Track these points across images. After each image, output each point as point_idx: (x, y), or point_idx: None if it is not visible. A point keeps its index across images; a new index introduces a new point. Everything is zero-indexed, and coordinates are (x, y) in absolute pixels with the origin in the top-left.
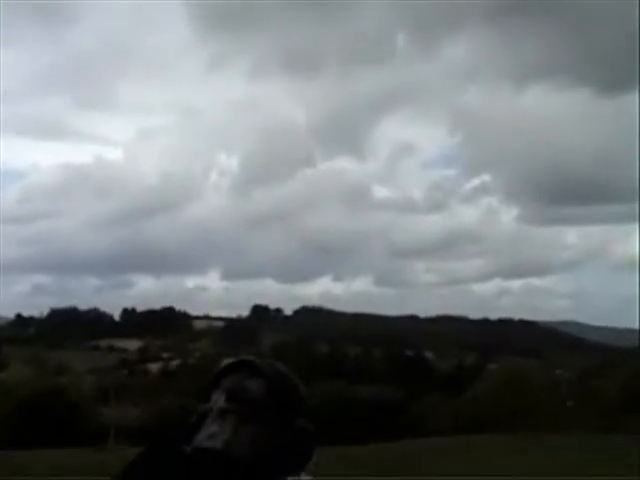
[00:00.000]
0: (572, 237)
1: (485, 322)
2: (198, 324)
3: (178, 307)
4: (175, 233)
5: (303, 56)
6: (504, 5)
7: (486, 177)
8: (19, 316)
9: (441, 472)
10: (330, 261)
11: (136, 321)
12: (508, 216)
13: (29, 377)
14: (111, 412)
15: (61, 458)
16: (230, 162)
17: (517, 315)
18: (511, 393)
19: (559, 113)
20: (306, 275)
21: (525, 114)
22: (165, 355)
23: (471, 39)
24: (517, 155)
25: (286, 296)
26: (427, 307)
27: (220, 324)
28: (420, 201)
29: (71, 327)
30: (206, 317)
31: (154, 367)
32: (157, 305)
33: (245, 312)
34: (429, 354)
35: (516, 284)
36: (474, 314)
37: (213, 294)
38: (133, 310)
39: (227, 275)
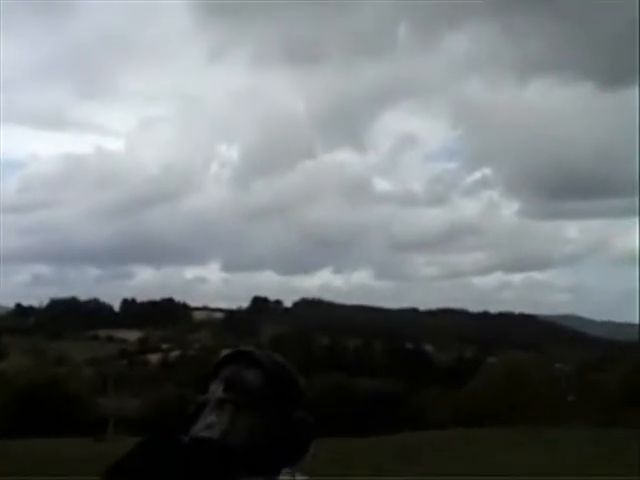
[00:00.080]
0: (573, 231)
1: (485, 315)
2: (198, 315)
3: (178, 298)
4: (175, 224)
5: (305, 47)
6: None
7: (487, 171)
8: (19, 306)
9: (440, 465)
10: (330, 253)
11: (136, 312)
12: (509, 210)
13: (28, 367)
14: (110, 402)
15: (60, 448)
16: (230, 153)
17: (517, 309)
18: (511, 387)
19: (560, 107)
20: (306, 267)
21: (527, 108)
22: (164, 346)
23: (473, 32)
24: (518, 149)
25: (286, 288)
26: (427, 300)
27: (220, 315)
28: (421, 194)
29: (71, 317)
30: (206, 308)
31: (153, 358)
32: (157, 296)
33: (245, 304)
34: (429, 347)
35: (517, 278)
36: (474, 307)
37: (213, 285)
38: (133, 301)
39: (227, 266)
